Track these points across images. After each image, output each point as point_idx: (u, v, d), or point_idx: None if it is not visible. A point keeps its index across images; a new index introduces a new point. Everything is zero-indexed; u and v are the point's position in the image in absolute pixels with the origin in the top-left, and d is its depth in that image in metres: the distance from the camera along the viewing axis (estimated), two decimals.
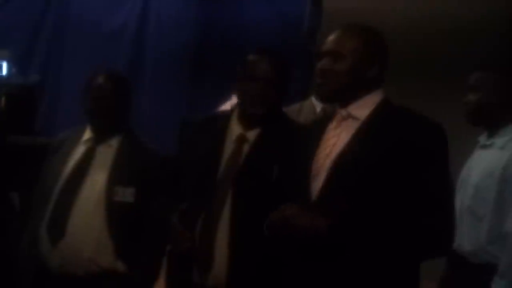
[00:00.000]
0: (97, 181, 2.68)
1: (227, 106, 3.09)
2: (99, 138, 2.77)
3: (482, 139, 2.82)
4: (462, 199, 2.70)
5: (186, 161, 2.45)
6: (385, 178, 1.92)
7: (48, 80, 4.59)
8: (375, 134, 1.99)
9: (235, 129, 2.42)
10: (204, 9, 4.82)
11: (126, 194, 2.65)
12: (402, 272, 1.97)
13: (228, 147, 2.40)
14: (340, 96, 2.08)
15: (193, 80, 4.59)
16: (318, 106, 3.12)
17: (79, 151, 2.77)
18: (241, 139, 2.40)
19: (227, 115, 2.49)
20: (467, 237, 2.63)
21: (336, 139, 2.04)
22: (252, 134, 2.40)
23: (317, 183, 1.99)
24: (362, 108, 2.05)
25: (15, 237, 2.68)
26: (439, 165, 1.96)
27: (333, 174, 1.97)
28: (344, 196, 1.94)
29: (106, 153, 2.74)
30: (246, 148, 2.39)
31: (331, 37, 2.09)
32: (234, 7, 4.75)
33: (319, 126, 2.16)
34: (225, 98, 3.15)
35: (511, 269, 2.45)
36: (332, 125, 2.10)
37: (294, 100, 3.59)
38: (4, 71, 3.91)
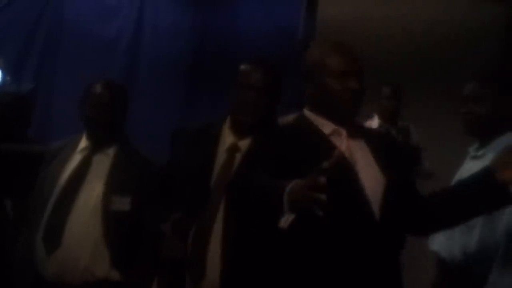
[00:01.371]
0: (93, 190, 2.68)
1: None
2: (96, 147, 2.77)
3: (473, 149, 2.84)
4: None
5: (178, 170, 2.45)
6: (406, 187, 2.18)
7: (42, 88, 4.57)
8: (383, 151, 2.15)
9: (228, 138, 2.44)
10: (200, 17, 4.82)
11: (123, 203, 2.65)
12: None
13: (221, 157, 2.41)
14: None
15: (189, 88, 4.58)
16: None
17: (76, 159, 2.77)
18: (234, 148, 2.42)
19: (219, 124, 2.49)
20: (458, 246, 2.64)
21: (357, 158, 2.08)
22: (244, 143, 2.42)
23: (375, 202, 2.04)
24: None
25: (9, 244, 2.67)
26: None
27: (390, 193, 2.07)
28: (398, 210, 2.09)
29: (103, 162, 2.74)
30: (238, 157, 2.40)
31: (348, 56, 2.12)
32: (229, 16, 4.76)
33: (311, 136, 2.12)
34: (220, 106, 3.16)
35: (502, 279, 2.47)
36: (338, 140, 2.09)
37: (289, 107, 3.60)
38: None
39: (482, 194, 2.07)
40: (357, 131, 2.13)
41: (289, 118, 2.30)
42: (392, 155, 2.16)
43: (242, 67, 2.46)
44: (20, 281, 2.69)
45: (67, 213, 2.64)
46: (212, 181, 2.37)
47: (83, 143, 2.80)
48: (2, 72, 3.96)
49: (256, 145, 2.39)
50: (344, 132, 2.10)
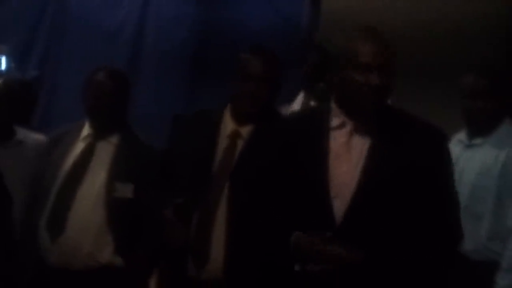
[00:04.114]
0: (97, 177, 2.70)
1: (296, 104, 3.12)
2: (99, 134, 2.78)
3: (464, 138, 2.84)
4: None
5: (179, 155, 2.46)
6: (405, 194, 1.94)
7: (46, 75, 4.60)
8: (389, 148, 1.98)
9: (229, 124, 2.45)
10: (203, 8, 4.83)
11: (126, 190, 2.66)
12: None
13: (222, 142, 2.43)
14: None
15: (192, 79, 4.60)
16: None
17: (79, 147, 2.78)
18: (235, 135, 2.43)
19: (220, 111, 2.50)
20: (466, 236, 2.64)
21: (349, 154, 1.99)
22: (245, 130, 2.43)
23: (341, 204, 1.95)
24: (369, 119, 2.02)
25: (12, 230, 2.69)
26: (448, 176, 2.02)
27: (359, 197, 1.94)
28: (371, 218, 1.93)
29: (106, 150, 2.75)
30: (240, 143, 2.42)
31: (378, 46, 1.99)
32: (232, 7, 4.76)
33: (317, 127, 2.08)
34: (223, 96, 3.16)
35: None
36: (339, 136, 2.02)
37: (291, 99, 3.62)
38: (3, 66, 3.92)
39: None
40: (369, 125, 2.00)
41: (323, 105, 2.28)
42: (415, 158, 1.95)
43: (242, 56, 2.47)
44: (23, 268, 2.70)
45: (71, 200, 2.66)
46: (214, 167, 2.39)
47: (86, 130, 2.81)
48: (7, 59, 3.98)
49: (258, 132, 2.41)
50: (350, 126, 2.01)
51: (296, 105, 3.17)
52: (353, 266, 1.89)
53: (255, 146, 2.38)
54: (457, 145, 2.88)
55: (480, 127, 2.78)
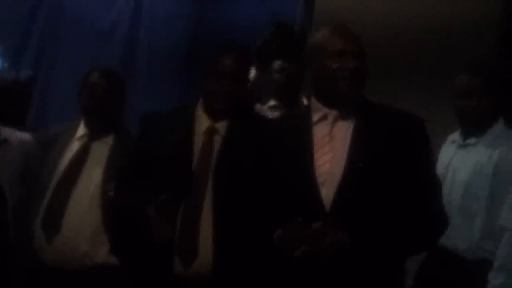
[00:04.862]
0: (92, 177, 2.71)
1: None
2: (94, 134, 2.79)
3: (458, 138, 2.86)
4: (448, 198, 2.70)
5: (154, 154, 2.44)
6: (389, 178, 1.99)
7: (40, 75, 4.59)
8: (371, 135, 2.04)
9: (203, 121, 2.45)
10: (197, 7, 4.83)
11: None
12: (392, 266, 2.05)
13: (198, 139, 2.43)
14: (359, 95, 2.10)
15: (186, 78, 4.59)
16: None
17: (74, 147, 2.79)
18: (211, 131, 2.44)
19: (192, 107, 2.50)
20: (460, 235, 2.67)
21: (333, 142, 2.05)
22: (221, 126, 2.44)
23: (328, 191, 2.00)
24: (350, 109, 2.09)
25: (8, 230, 2.69)
26: (429, 157, 2.09)
27: (347, 182, 1.98)
28: (359, 203, 1.97)
29: (101, 150, 2.76)
30: (217, 139, 2.43)
31: (346, 36, 2.09)
32: (226, 6, 4.77)
33: (299, 125, 2.15)
34: None
35: (509, 261, 2.51)
36: (322, 127, 2.09)
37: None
38: None
39: None
40: (350, 113, 2.07)
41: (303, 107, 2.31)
42: (393, 142, 2.01)
43: (213, 54, 2.48)
44: (20, 266, 2.71)
45: (66, 199, 2.67)
46: (194, 163, 2.39)
47: (82, 130, 2.82)
48: (1, 59, 3.97)
49: (235, 127, 2.43)
50: (331, 116, 2.08)
51: None
52: (340, 251, 1.92)
53: (234, 141, 2.41)
54: (451, 145, 2.90)
55: (474, 126, 2.79)
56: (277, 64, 3.31)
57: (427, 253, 2.86)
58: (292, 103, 3.28)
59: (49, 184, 2.73)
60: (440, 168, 2.81)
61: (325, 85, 2.09)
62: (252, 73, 3.11)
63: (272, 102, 3.36)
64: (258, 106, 3.33)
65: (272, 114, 3.26)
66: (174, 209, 2.34)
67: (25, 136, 2.96)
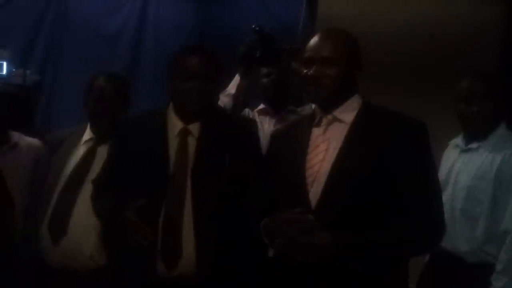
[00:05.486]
0: None
1: (232, 87, 3.14)
2: (100, 138, 2.81)
3: (460, 142, 2.87)
4: (451, 202, 2.75)
5: (130, 159, 2.44)
6: (380, 181, 1.99)
7: (46, 80, 4.62)
8: (366, 137, 2.06)
9: (176, 123, 2.46)
10: (201, 12, 4.87)
11: None
12: (394, 270, 2.06)
13: (173, 141, 2.43)
14: (332, 101, 2.13)
15: None
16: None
17: (80, 150, 2.82)
18: (185, 132, 2.44)
19: (162, 111, 2.51)
20: (462, 238, 2.69)
21: (326, 144, 2.09)
22: (194, 127, 2.45)
23: (315, 190, 2.04)
24: (347, 112, 2.13)
25: (14, 232, 2.71)
26: (428, 161, 2.06)
27: (332, 182, 2.02)
28: (344, 203, 2.00)
29: (107, 154, 2.79)
30: (191, 140, 2.44)
31: (318, 43, 2.12)
32: (230, 11, 4.80)
33: (298, 129, 2.22)
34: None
35: (511, 264, 2.52)
36: (318, 130, 2.15)
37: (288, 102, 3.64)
38: (4, 71, 3.94)
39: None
40: (343, 117, 2.12)
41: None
42: (387, 145, 2.02)
43: (180, 56, 2.48)
44: (26, 269, 2.73)
45: (73, 202, 2.69)
46: (171, 165, 2.40)
47: (88, 134, 2.84)
48: (8, 64, 4.00)
49: (208, 128, 2.44)
50: (326, 120, 2.13)
51: (232, 88, 3.20)
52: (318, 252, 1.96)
53: (208, 141, 2.42)
54: (453, 149, 2.91)
55: (476, 131, 2.80)
56: (264, 69, 3.36)
57: (429, 256, 2.89)
58: (280, 107, 3.32)
59: (55, 187, 2.75)
60: (442, 172, 2.84)
61: (303, 89, 2.18)
62: (236, 78, 3.15)
63: (261, 106, 3.40)
64: (247, 111, 3.37)
65: (261, 118, 3.30)
66: (154, 212, 2.34)
67: (35, 141, 3.00)
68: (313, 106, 2.28)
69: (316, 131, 2.15)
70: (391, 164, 1.99)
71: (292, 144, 2.17)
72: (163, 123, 2.46)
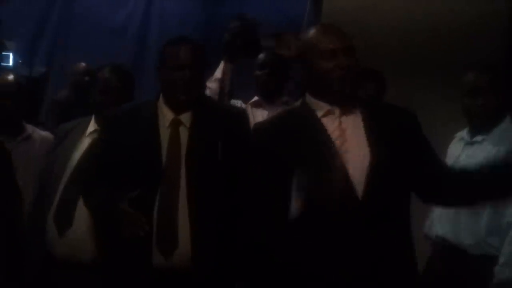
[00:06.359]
0: None
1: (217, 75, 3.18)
2: None
3: (465, 136, 2.88)
4: None
5: (121, 152, 2.44)
6: (409, 162, 2.13)
7: (53, 72, 4.65)
8: (382, 125, 2.13)
9: (167, 114, 2.46)
10: (207, 5, 4.88)
11: None
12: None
13: (164, 132, 2.44)
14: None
15: None
16: None
17: (85, 143, 2.82)
18: (176, 123, 2.45)
19: (152, 102, 2.51)
20: (466, 231, 2.70)
21: (348, 135, 2.11)
22: (185, 117, 2.46)
23: (358, 181, 2.05)
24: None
25: (20, 223, 2.72)
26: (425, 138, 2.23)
27: (375, 172, 2.06)
28: (387, 190, 2.08)
29: (90, 148, 2.77)
30: (183, 130, 2.45)
31: (337, 35, 2.16)
32: (236, 5, 4.81)
33: (304, 121, 2.19)
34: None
35: None
36: (330, 121, 2.14)
37: (294, 97, 3.65)
38: (11, 62, 3.96)
39: (508, 180, 2.10)
40: (353, 109, 2.15)
41: (294, 104, 2.37)
42: (399, 132, 2.14)
43: (168, 48, 2.49)
44: (31, 261, 2.72)
45: (78, 194, 2.67)
46: (163, 156, 2.41)
47: (92, 126, 2.85)
48: (14, 55, 4.02)
49: (199, 118, 2.45)
50: (337, 111, 2.14)
51: (218, 73, 3.21)
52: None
53: (200, 131, 2.43)
54: (458, 142, 2.92)
55: (481, 124, 2.80)
56: (258, 60, 3.36)
57: (433, 249, 2.90)
58: (274, 99, 3.32)
59: (61, 179, 2.75)
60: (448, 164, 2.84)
61: (321, 85, 2.16)
62: (221, 65, 3.18)
63: (255, 98, 3.39)
64: (235, 102, 3.37)
65: (255, 111, 3.30)
66: (149, 202, 2.35)
67: (47, 134, 3.03)
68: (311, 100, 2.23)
69: (328, 122, 2.14)
70: (405, 148, 2.12)
71: (301, 137, 2.14)
72: (153, 114, 2.47)
